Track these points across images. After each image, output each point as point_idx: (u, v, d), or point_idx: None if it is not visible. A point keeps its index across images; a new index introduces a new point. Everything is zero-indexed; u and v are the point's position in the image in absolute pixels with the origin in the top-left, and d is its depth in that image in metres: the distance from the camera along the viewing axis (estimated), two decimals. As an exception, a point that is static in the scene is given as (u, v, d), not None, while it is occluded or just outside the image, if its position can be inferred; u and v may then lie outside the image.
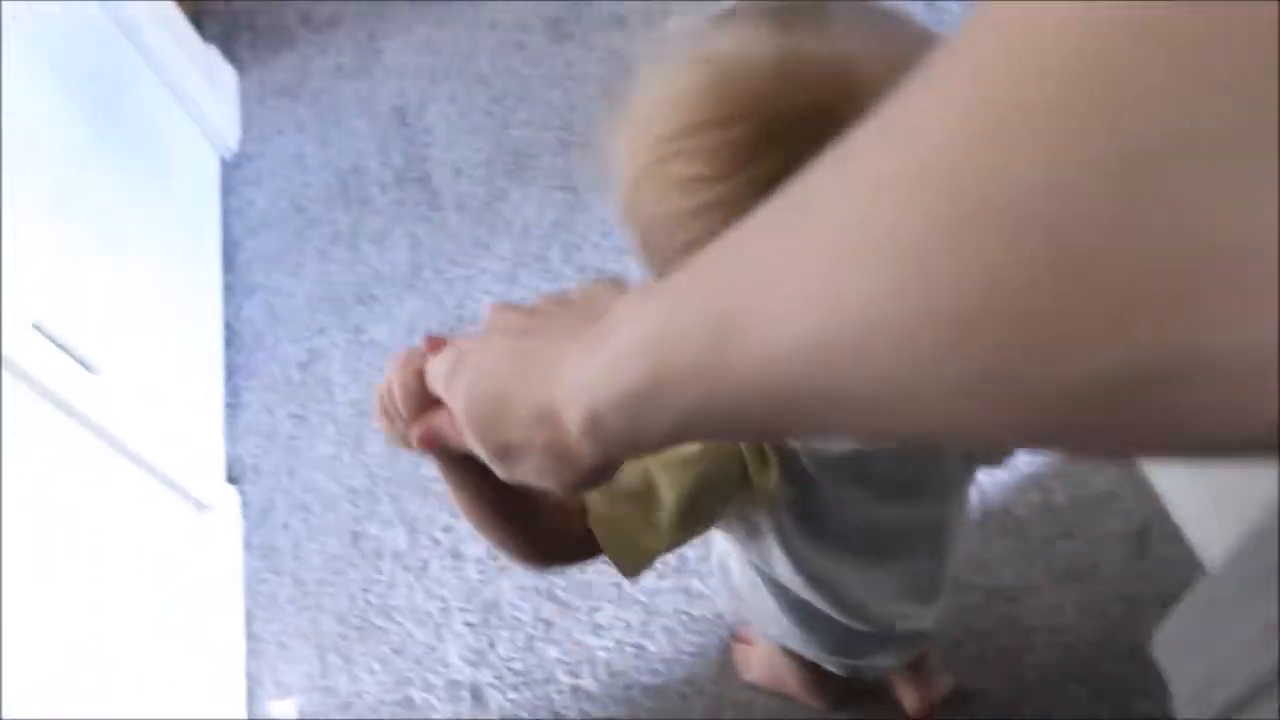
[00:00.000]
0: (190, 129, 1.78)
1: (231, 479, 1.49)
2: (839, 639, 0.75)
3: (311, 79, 1.96)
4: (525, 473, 0.34)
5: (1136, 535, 1.25)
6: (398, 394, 0.39)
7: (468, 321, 1.57)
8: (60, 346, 1.13)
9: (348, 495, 1.45)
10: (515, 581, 1.33)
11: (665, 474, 0.52)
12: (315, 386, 1.56)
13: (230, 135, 1.87)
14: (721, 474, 0.53)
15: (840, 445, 0.53)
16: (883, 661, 0.86)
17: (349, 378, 1.56)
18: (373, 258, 1.69)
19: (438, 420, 0.38)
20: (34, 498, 1.06)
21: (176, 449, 1.36)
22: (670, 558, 1.23)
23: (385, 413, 0.41)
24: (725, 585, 0.86)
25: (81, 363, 1.16)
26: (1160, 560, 1.22)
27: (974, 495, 1.32)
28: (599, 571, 1.32)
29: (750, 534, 0.61)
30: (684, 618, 1.27)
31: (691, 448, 0.52)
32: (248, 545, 1.44)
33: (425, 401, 0.39)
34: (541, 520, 0.50)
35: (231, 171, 1.85)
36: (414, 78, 1.90)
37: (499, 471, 0.35)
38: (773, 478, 0.53)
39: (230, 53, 2.00)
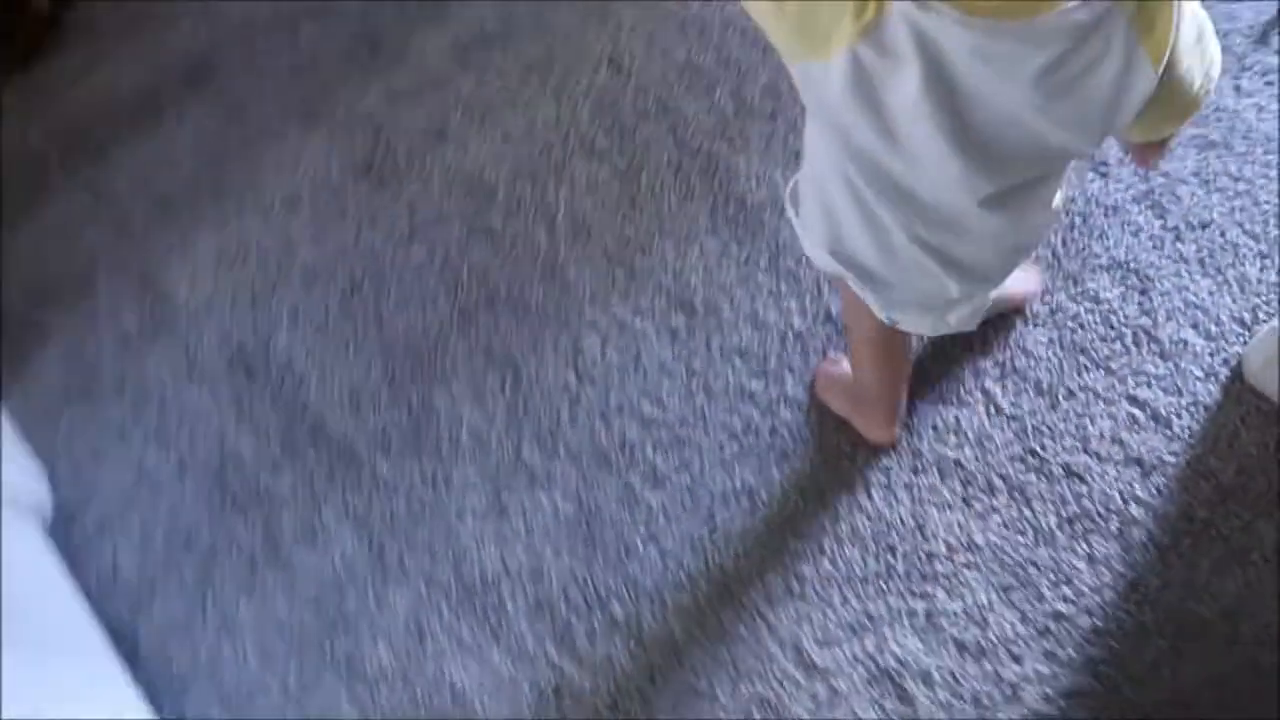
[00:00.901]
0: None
1: None
2: (912, 239, 0.78)
3: (101, 365, 1.49)
4: None
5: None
6: None
7: (482, 584, 1.23)
8: None
9: None
10: None
11: None
12: (339, 766, 1.19)
13: (36, 490, 1.39)
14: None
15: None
16: (952, 311, 0.89)
17: (374, 732, 1.19)
18: (316, 565, 1.29)
19: None
20: None
21: None
22: None
23: None
24: (817, 207, 0.85)
25: None
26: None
27: (1149, 523, 1.14)
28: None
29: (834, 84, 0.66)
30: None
31: None
32: None
33: None
34: None
35: (65, 531, 1.39)
36: (231, 315, 1.48)
37: None
38: (868, 15, 0.60)
39: (-29, 378, 1.50)
